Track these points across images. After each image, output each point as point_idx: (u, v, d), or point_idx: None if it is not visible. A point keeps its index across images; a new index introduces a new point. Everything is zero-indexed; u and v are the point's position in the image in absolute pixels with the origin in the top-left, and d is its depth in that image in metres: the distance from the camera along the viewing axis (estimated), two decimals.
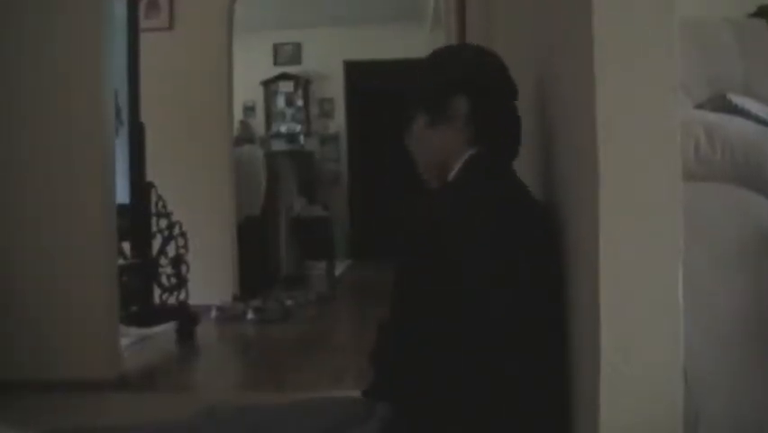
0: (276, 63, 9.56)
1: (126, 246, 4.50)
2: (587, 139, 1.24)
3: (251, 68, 8.71)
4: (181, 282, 4.77)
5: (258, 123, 9.45)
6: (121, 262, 4.11)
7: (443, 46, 1.71)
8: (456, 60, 1.61)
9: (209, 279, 5.30)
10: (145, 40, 4.65)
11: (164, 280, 4.72)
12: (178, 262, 4.75)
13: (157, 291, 4.71)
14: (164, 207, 4.69)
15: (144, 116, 4.55)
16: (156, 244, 4.71)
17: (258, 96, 9.52)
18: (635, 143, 1.19)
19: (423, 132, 1.58)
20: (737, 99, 1.74)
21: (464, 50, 1.68)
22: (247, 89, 8.82)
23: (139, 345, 4.33)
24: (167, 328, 4.61)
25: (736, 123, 1.58)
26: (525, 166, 1.75)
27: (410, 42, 7.95)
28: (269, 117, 9.59)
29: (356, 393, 1.56)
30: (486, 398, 1.38)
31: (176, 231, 4.74)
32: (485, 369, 1.38)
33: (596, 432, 1.19)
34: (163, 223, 4.71)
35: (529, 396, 1.40)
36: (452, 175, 1.54)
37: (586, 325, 1.28)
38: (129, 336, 4.26)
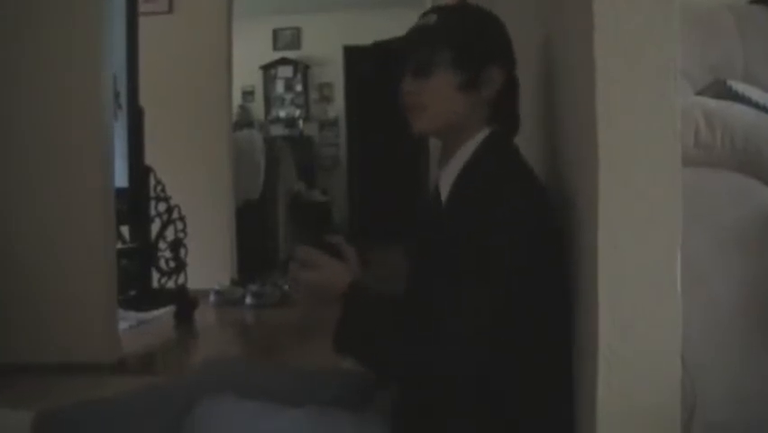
0: (275, 48, 9.52)
1: (125, 230, 4.50)
2: (587, 124, 1.24)
3: (251, 52, 8.68)
4: (180, 266, 4.77)
5: (257, 107, 9.45)
6: (119, 245, 4.11)
7: (475, 5, 1.56)
8: (497, 27, 1.53)
9: (208, 263, 5.30)
10: (144, 24, 4.62)
11: (163, 264, 4.72)
12: (176, 246, 4.75)
13: (156, 275, 4.72)
14: (163, 191, 4.69)
15: (143, 100, 4.54)
16: (155, 227, 4.71)
17: (257, 80, 9.50)
18: (636, 129, 1.19)
19: (448, 90, 1.47)
20: (738, 86, 1.74)
21: (497, 19, 1.55)
22: (246, 74, 8.79)
23: (137, 328, 4.32)
24: (165, 312, 4.61)
25: (735, 109, 1.58)
26: (524, 147, 1.74)
27: (409, 28, 7.90)
28: (269, 102, 9.57)
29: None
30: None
31: (175, 215, 4.74)
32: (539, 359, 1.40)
33: (593, 414, 1.20)
34: (162, 207, 4.70)
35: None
36: (466, 148, 1.49)
37: (585, 308, 1.29)
38: (127, 319, 4.27)
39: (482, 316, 1.30)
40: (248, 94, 9.44)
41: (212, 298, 5.18)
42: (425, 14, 1.55)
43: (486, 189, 1.39)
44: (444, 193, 1.52)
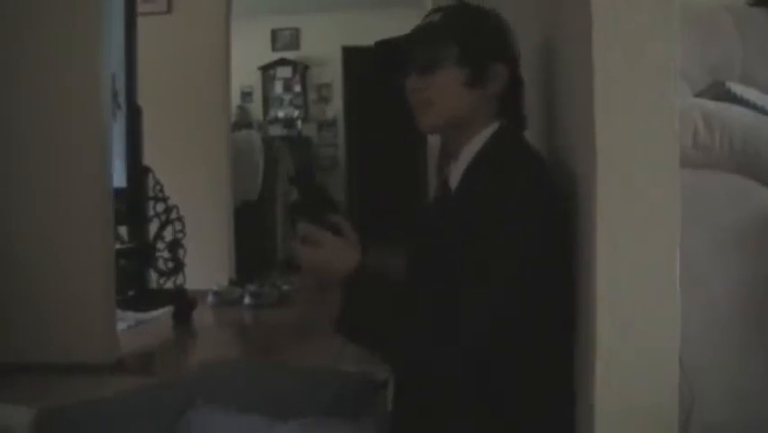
0: (274, 48, 9.51)
1: (123, 230, 4.50)
2: (587, 124, 1.25)
3: (249, 53, 8.67)
4: (178, 267, 4.77)
5: (255, 108, 9.44)
6: (118, 246, 4.11)
7: (476, 5, 1.58)
8: (500, 25, 1.55)
9: (206, 263, 5.30)
10: (143, 24, 4.62)
11: (161, 264, 4.72)
12: (175, 246, 4.75)
13: (154, 276, 4.72)
14: (161, 191, 4.69)
15: (142, 101, 4.54)
16: (153, 228, 4.71)
17: (256, 81, 9.49)
18: (636, 129, 1.19)
19: (455, 87, 1.49)
20: (737, 88, 1.75)
21: (500, 17, 1.57)
22: (245, 74, 8.78)
23: (136, 329, 4.32)
24: (164, 313, 4.61)
25: (734, 111, 1.58)
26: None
27: (409, 28, 7.89)
28: (267, 102, 9.56)
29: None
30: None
31: (173, 215, 4.74)
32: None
33: (592, 413, 1.20)
34: (160, 207, 4.70)
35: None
36: (473, 143, 1.50)
37: (585, 307, 1.29)
38: (126, 320, 4.27)
39: (482, 316, 1.30)
40: (246, 94, 9.43)
41: (210, 298, 5.18)
42: (429, 14, 1.56)
43: (497, 181, 1.39)
44: (453, 187, 1.53)
